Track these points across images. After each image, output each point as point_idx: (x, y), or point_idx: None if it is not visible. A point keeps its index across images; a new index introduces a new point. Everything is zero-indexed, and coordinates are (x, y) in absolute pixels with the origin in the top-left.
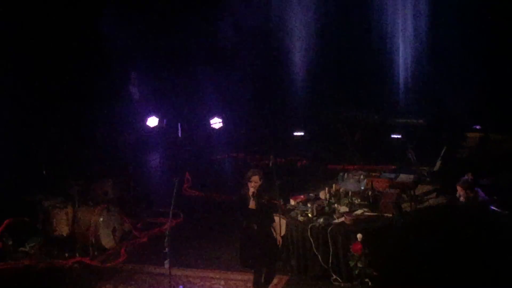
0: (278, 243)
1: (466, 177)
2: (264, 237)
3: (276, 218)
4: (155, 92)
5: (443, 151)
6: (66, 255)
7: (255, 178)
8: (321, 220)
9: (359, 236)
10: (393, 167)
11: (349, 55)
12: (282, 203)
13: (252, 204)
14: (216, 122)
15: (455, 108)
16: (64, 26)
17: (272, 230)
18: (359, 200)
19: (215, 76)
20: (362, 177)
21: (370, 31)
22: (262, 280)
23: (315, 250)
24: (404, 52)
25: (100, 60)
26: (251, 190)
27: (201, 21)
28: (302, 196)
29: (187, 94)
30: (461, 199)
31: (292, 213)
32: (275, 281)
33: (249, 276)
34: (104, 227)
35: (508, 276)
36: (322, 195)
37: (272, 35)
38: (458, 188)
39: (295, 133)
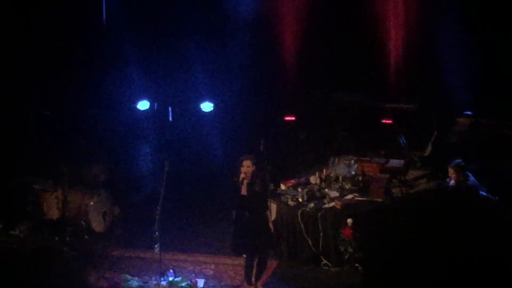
0: (271, 231)
1: (458, 160)
2: (256, 225)
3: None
4: (146, 75)
5: (433, 136)
6: (56, 238)
7: (247, 162)
8: (312, 204)
9: (349, 221)
10: (382, 152)
11: (340, 38)
12: (272, 187)
13: (243, 190)
14: (207, 106)
15: (446, 93)
16: (50, 7)
17: (265, 217)
18: (349, 185)
19: (207, 60)
20: (352, 161)
21: (360, 13)
22: (254, 267)
23: (305, 235)
24: (395, 35)
25: (89, 42)
26: (242, 175)
27: (192, 4)
28: (292, 181)
29: (178, 78)
30: (452, 182)
31: (283, 198)
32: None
33: (240, 261)
34: (94, 210)
35: (494, 260)
36: (312, 179)
37: (263, 17)
38: (450, 170)
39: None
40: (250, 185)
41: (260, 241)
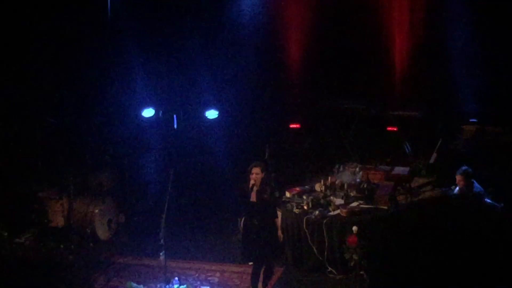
0: (279, 239)
1: (465, 167)
2: (265, 232)
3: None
4: (151, 83)
5: (438, 143)
6: (62, 246)
7: (256, 170)
8: (317, 212)
9: (354, 228)
10: (388, 159)
11: (345, 46)
12: (277, 194)
13: (253, 197)
14: (212, 114)
15: (452, 100)
16: (55, 15)
17: (274, 224)
18: (354, 193)
19: (212, 67)
20: (357, 169)
21: (366, 21)
22: (261, 275)
23: (310, 242)
24: (401, 43)
25: (95, 50)
26: (251, 182)
27: (198, 11)
28: (297, 188)
29: (183, 86)
30: (457, 190)
31: (288, 205)
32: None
33: (245, 268)
34: (99, 218)
35: (499, 266)
36: (317, 187)
37: (269, 25)
38: (458, 177)
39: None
40: (259, 192)
41: (269, 249)
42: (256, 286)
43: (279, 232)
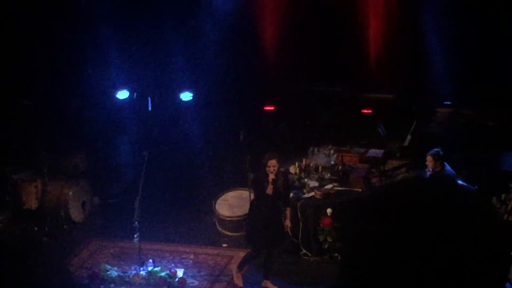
0: (285, 228)
1: (437, 148)
2: (273, 221)
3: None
4: (126, 65)
5: (413, 126)
6: (35, 228)
7: (272, 162)
8: (291, 194)
9: (328, 210)
10: (362, 142)
11: (319, 28)
12: (251, 176)
13: (269, 190)
14: (186, 96)
15: (426, 82)
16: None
17: (284, 214)
18: (329, 175)
19: (186, 49)
20: (332, 151)
21: (339, 3)
22: (255, 259)
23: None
24: (374, 25)
25: (68, 31)
26: (271, 176)
27: None
28: None
29: (158, 68)
30: (429, 172)
31: None
32: (243, 254)
33: (218, 251)
34: (73, 200)
35: (471, 250)
36: (292, 169)
37: (243, 7)
38: (428, 158)
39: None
40: (275, 184)
41: (274, 238)
42: (243, 266)
43: (287, 221)
